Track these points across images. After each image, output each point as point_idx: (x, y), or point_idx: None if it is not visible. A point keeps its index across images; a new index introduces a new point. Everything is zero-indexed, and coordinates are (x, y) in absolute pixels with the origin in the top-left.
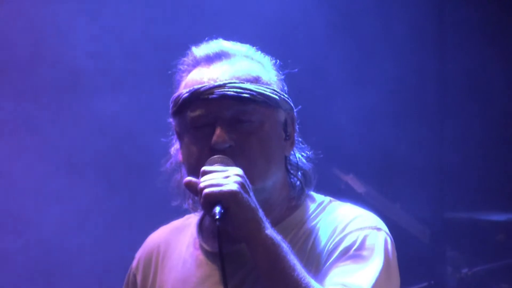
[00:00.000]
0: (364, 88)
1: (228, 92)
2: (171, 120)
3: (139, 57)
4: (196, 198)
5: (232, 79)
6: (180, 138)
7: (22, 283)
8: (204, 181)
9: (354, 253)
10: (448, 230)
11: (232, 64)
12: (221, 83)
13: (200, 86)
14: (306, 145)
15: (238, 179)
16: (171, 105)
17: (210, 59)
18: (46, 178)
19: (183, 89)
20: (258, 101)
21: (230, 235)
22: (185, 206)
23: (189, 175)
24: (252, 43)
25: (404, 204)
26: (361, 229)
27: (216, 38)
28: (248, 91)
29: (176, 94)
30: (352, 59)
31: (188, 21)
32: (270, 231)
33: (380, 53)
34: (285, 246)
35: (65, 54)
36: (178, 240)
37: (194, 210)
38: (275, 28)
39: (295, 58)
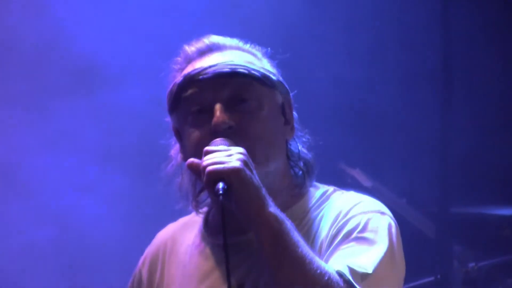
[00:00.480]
0: (370, 85)
1: (223, 70)
2: (168, 119)
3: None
4: (199, 197)
5: (225, 62)
6: (180, 135)
7: (51, 274)
8: (206, 159)
9: (357, 235)
10: (454, 225)
11: (224, 54)
12: (214, 63)
13: (192, 69)
14: (305, 134)
15: (241, 156)
16: (167, 100)
17: (201, 53)
18: (76, 170)
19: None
20: (255, 76)
21: (235, 225)
22: (189, 208)
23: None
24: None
25: (410, 198)
26: (364, 212)
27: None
28: (243, 67)
29: (170, 86)
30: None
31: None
32: (273, 208)
33: (383, 50)
34: (288, 223)
35: (88, 46)
36: (185, 236)
37: (199, 212)
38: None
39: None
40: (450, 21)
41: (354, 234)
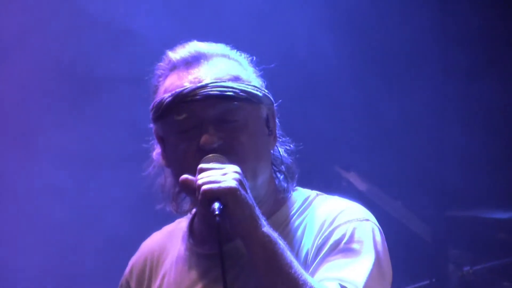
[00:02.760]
0: (367, 85)
1: (212, 92)
2: (151, 125)
3: None
4: (186, 198)
5: (213, 80)
6: (163, 142)
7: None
8: (201, 178)
9: (344, 246)
10: (450, 228)
11: (211, 65)
12: (204, 83)
13: (182, 89)
14: (287, 138)
15: (236, 176)
16: (152, 111)
17: (187, 62)
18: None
19: (164, 94)
20: (241, 98)
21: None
22: (168, 208)
23: (179, 176)
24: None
25: (406, 201)
26: (349, 221)
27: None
28: (231, 89)
29: (157, 99)
30: (355, 58)
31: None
32: (266, 228)
33: (381, 53)
34: (281, 243)
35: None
36: (171, 244)
37: (179, 212)
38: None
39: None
40: None
41: (341, 245)
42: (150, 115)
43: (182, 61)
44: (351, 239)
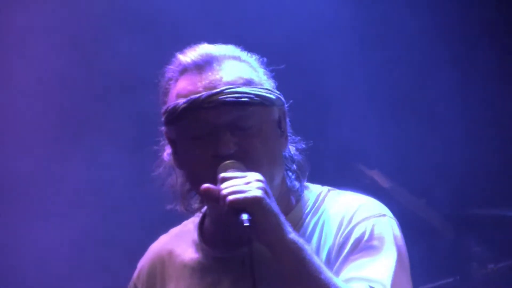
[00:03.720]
0: (385, 84)
1: (227, 99)
2: (162, 128)
3: None
4: (195, 198)
5: (227, 85)
6: (176, 145)
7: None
8: (225, 188)
9: (366, 244)
10: (473, 226)
11: (223, 69)
12: (218, 90)
13: (198, 96)
14: (296, 136)
15: (261, 184)
16: (165, 115)
17: (199, 66)
18: None
19: (179, 99)
20: (256, 103)
21: (237, 237)
22: (180, 209)
23: (194, 183)
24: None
25: (428, 199)
26: (367, 218)
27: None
28: (246, 95)
29: (171, 104)
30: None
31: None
32: (293, 235)
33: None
34: (309, 248)
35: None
36: (180, 247)
37: (189, 211)
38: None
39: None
40: None
41: (362, 243)
42: (162, 118)
43: (193, 65)
44: (371, 236)
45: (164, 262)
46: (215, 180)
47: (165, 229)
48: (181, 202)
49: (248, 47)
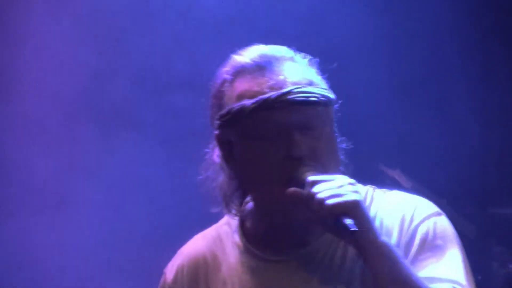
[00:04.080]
0: (409, 82)
1: (296, 98)
2: (217, 130)
3: None
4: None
5: (295, 86)
6: (233, 146)
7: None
8: (320, 191)
9: (432, 244)
10: (493, 226)
11: (285, 70)
12: (288, 89)
13: (268, 96)
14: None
15: (355, 188)
16: (225, 116)
17: (261, 67)
18: None
19: (243, 100)
20: (322, 103)
21: (294, 239)
22: (224, 211)
23: (259, 184)
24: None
25: (448, 199)
26: (428, 217)
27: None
28: (314, 95)
29: (235, 105)
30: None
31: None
32: (384, 237)
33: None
34: (398, 250)
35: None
36: (223, 250)
37: (238, 213)
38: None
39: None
40: None
41: (428, 243)
42: (218, 120)
43: (254, 66)
44: (435, 235)
45: (208, 265)
46: (285, 181)
47: (196, 228)
48: (227, 204)
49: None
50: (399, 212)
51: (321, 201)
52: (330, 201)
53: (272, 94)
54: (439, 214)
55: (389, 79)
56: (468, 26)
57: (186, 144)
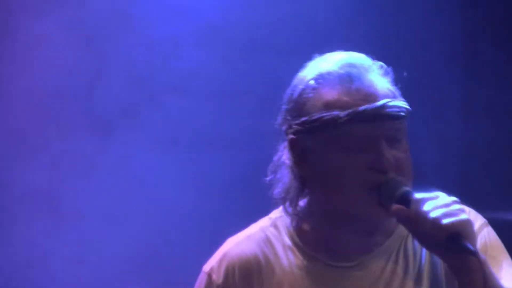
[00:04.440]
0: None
1: (390, 113)
2: (293, 135)
3: None
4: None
5: (383, 98)
6: (311, 154)
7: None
8: (431, 210)
9: (488, 255)
10: None
11: (373, 80)
12: (382, 103)
13: (363, 107)
14: None
15: (461, 206)
16: (314, 124)
17: (350, 76)
18: None
19: (331, 110)
20: (407, 116)
21: (358, 245)
22: (289, 210)
23: (343, 192)
24: None
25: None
26: (481, 228)
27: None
28: (402, 109)
29: (325, 115)
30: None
31: None
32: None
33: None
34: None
35: None
36: (274, 253)
37: (293, 213)
38: None
39: None
40: None
41: (488, 255)
42: (302, 125)
43: (342, 74)
44: (491, 246)
45: (261, 268)
46: (368, 190)
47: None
48: (290, 204)
49: None
50: None
51: (436, 220)
52: (445, 221)
53: (368, 106)
54: (488, 224)
55: None
56: (454, 24)
57: (181, 147)
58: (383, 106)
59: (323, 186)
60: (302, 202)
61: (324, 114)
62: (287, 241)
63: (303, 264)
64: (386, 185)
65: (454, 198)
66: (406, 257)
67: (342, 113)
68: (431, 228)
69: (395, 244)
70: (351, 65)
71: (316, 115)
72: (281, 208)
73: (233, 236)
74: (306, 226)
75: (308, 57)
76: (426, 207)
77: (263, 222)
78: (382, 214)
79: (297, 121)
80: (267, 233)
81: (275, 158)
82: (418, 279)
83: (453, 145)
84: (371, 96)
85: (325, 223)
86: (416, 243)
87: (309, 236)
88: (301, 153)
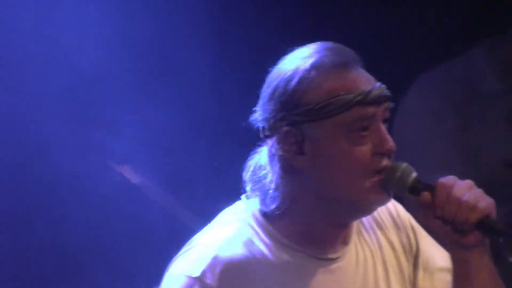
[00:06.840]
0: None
1: (388, 93)
2: (290, 126)
3: None
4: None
5: (376, 82)
6: (312, 141)
7: None
8: (464, 194)
9: (422, 232)
10: None
11: (361, 65)
12: (379, 85)
13: (369, 89)
14: None
15: (480, 190)
16: (322, 110)
17: (344, 64)
18: None
19: (340, 94)
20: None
21: (339, 237)
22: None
23: (348, 179)
24: None
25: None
26: (404, 210)
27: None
28: (388, 91)
29: (332, 99)
30: None
31: None
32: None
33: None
34: None
35: None
36: (260, 252)
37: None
38: None
39: None
40: None
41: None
42: (305, 114)
43: (336, 62)
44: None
45: (253, 269)
46: (373, 174)
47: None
48: (275, 202)
49: None
50: (386, 213)
51: (471, 204)
52: (481, 204)
53: (372, 87)
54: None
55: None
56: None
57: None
58: (382, 87)
59: (323, 175)
60: (288, 196)
61: (332, 100)
62: (267, 239)
63: (291, 259)
64: (391, 170)
65: (470, 182)
66: (368, 245)
67: (349, 96)
68: (465, 211)
69: (354, 234)
70: (337, 52)
71: (322, 103)
72: (243, 205)
73: (203, 237)
74: (288, 221)
75: None
76: (457, 191)
77: (235, 223)
78: (386, 199)
79: (296, 112)
80: (246, 234)
81: (254, 158)
82: (384, 264)
83: None
84: (369, 78)
85: (315, 215)
86: (367, 230)
87: (293, 230)
88: (298, 144)
